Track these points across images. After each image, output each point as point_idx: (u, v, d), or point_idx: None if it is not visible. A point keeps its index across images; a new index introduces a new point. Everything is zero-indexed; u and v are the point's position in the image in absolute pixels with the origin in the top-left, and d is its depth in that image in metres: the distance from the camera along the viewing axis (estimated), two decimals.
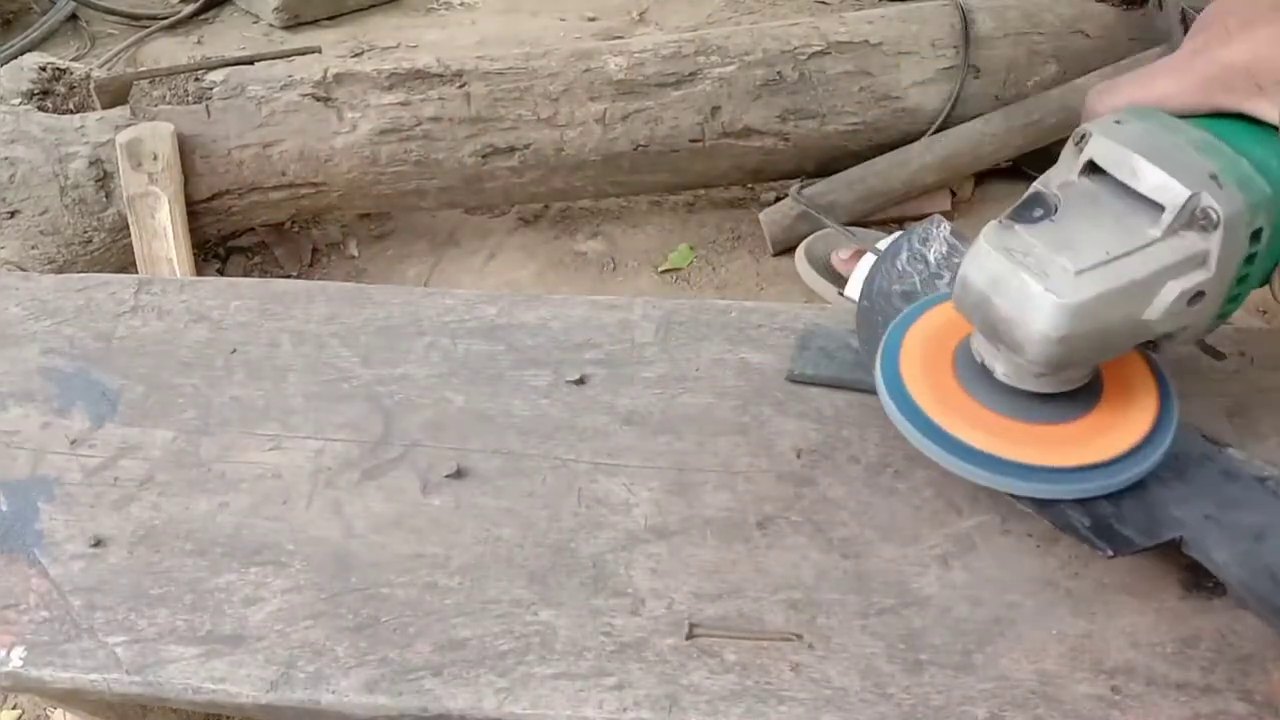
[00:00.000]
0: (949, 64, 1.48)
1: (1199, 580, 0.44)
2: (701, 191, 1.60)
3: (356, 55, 2.02)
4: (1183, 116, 0.40)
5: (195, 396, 0.54)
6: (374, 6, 2.26)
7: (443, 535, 0.47)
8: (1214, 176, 0.37)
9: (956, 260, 0.52)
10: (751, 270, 1.49)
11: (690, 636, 0.42)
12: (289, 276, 1.50)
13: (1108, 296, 0.37)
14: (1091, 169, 0.40)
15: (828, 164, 1.50)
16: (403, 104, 1.40)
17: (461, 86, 1.41)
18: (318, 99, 1.39)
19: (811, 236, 1.43)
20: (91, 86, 1.40)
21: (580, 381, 0.54)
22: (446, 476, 0.49)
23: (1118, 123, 0.40)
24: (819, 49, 1.46)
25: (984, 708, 0.40)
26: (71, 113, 1.39)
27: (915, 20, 1.50)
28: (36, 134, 1.32)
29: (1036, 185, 0.40)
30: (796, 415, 0.52)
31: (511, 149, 1.42)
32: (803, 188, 1.47)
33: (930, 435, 0.43)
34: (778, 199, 1.53)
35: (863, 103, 1.47)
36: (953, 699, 0.40)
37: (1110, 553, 0.41)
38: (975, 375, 0.44)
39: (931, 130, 1.48)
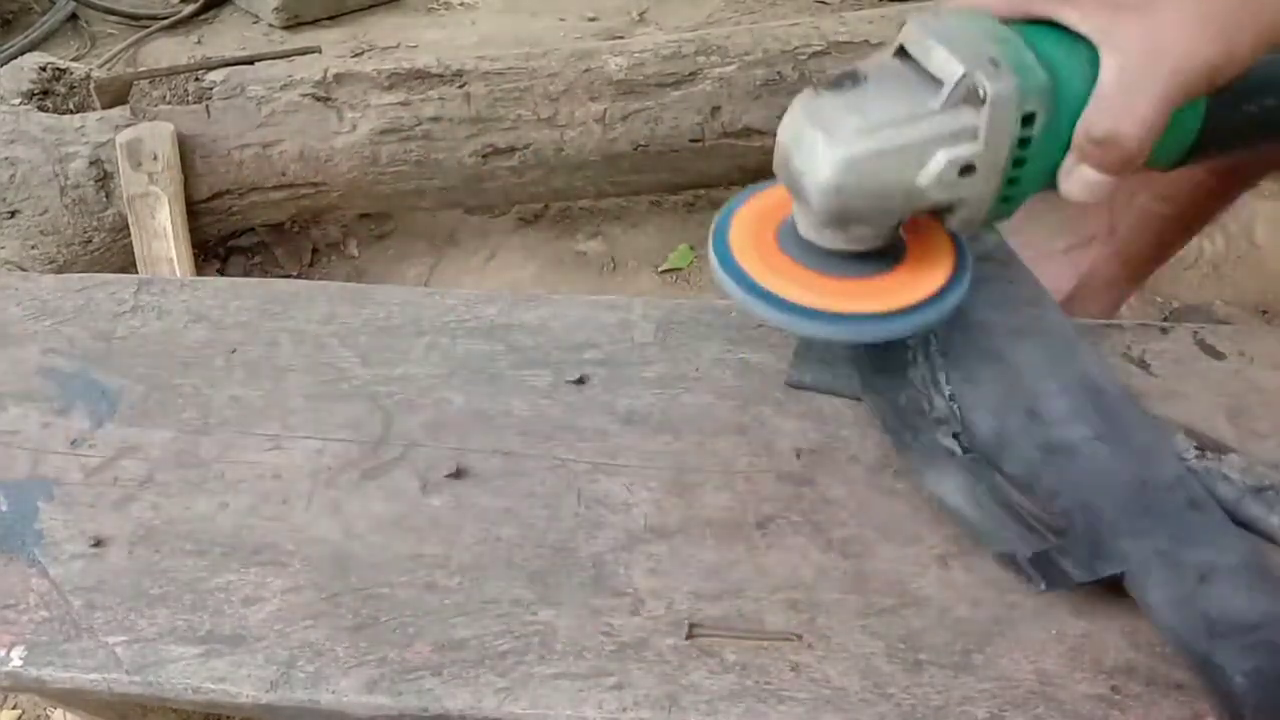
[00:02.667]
0: None
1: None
2: (701, 191, 1.60)
3: (356, 55, 2.02)
4: (1005, 22, 0.44)
5: (195, 396, 0.54)
6: (374, 6, 2.26)
7: (442, 535, 0.47)
8: (993, 60, 0.41)
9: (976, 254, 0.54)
10: None
11: (690, 636, 0.42)
12: (289, 276, 1.50)
13: (881, 152, 0.41)
14: (901, 53, 0.44)
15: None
16: (403, 104, 1.40)
17: (461, 86, 1.41)
18: (318, 99, 1.39)
19: None
20: (91, 86, 1.40)
21: (580, 381, 0.54)
22: (446, 476, 0.49)
23: (935, 16, 0.44)
24: (819, 49, 1.46)
25: (984, 708, 0.40)
26: (71, 113, 1.39)
27: None
28: (36, 134, 1.32)
29: (855, 63, 0.45)
30: (796, 415, 0.52)
31: (511, 149, 1.42)
32: None
33: (743, 287, 0.47)
34: None
35: None
36: (952, 699, 0.40)
37: (1043, 587, 0.41)
38: (791, 238, 0.48)
39: None
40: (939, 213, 0.45)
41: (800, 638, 0.42)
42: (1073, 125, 0.43)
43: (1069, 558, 0.42)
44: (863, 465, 0.49)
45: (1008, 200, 0.45)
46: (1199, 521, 0.43)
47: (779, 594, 0.44)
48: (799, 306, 0.46)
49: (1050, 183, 0.45)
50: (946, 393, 0.49)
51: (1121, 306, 0.94)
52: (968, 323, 0.51)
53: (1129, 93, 0.41)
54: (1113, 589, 0.43)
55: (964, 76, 0.41)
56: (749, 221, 0.50)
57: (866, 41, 1.49)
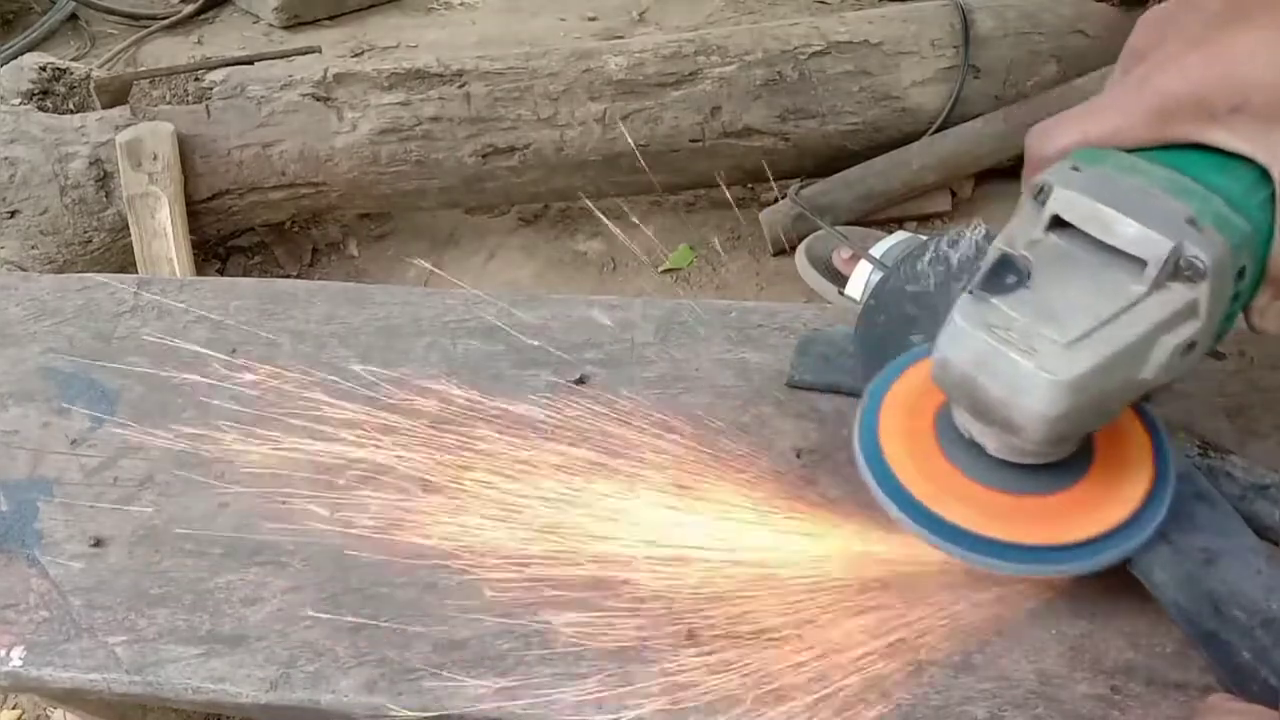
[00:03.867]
0: (949, 64, 1.48)
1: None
2: (701, 191, 1.60)
3: (356, 55, 2.02)
4: (1134, 151, 0.38)
5: (195, 396, 0.54)
6: (374, 6, 2.25)
7: (443, 535, 0.47)
8: (1191, 221, 0.35)
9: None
10: (751, 270, 1.49)
11: (690, 636, 0.42)
12: (289, 276, 1.50)
13: (1103, 365, 0.35)
14: (1057, 224, 0.37)
15: (828, 164, 1.49)
16: (403, 104, 1.40)
17: (461, 86, 1.41)
18: (318, 99, 1.39)
19: (811, 236, 1.43)
20: (91, 86, 1.40)
21: (580, 381, 0.54)
22: (447, 476, 0.49)
23: (1075, 169, 0.37)
24: (819, 49, 1.46)
25: (983, 708, 0.40)
26: (71, 113, 1.39)
27: (915, 20, 1.50)
28: (36, 134, 1.32)
29: (1000, 247, 0.37)
30: (796, 415, 0.52)
31: (512, 149, 1.42)
32: (802, 188, 1.47)
33: (919, 518, 0.40)
34: (777, 200, 1.53)
35: (863, 102, 1.47)
36: (952, 699, 0.40)
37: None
38: (959, 445, 0.41)
39: (931, 130, 1.48)
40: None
41: (800, 637, 0.42)
42: (1262, 258, 0.37)
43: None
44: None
45: (1205, 353, 0.39)
46: (1204, 511, 0.43)
47: (779, 594, 0.44)
48: (1004, 544, 0.39)
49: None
50: None
51: None
52: None
53: None
54: (1113, 589, 0.43)
55: (1173, 251, 0.34)
56: (898, 418, 0.43)
57: (866, 41, 1.49)
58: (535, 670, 0.42)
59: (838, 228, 1.40)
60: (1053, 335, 0.35)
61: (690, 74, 1.44)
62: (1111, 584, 0.44)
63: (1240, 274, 0.36)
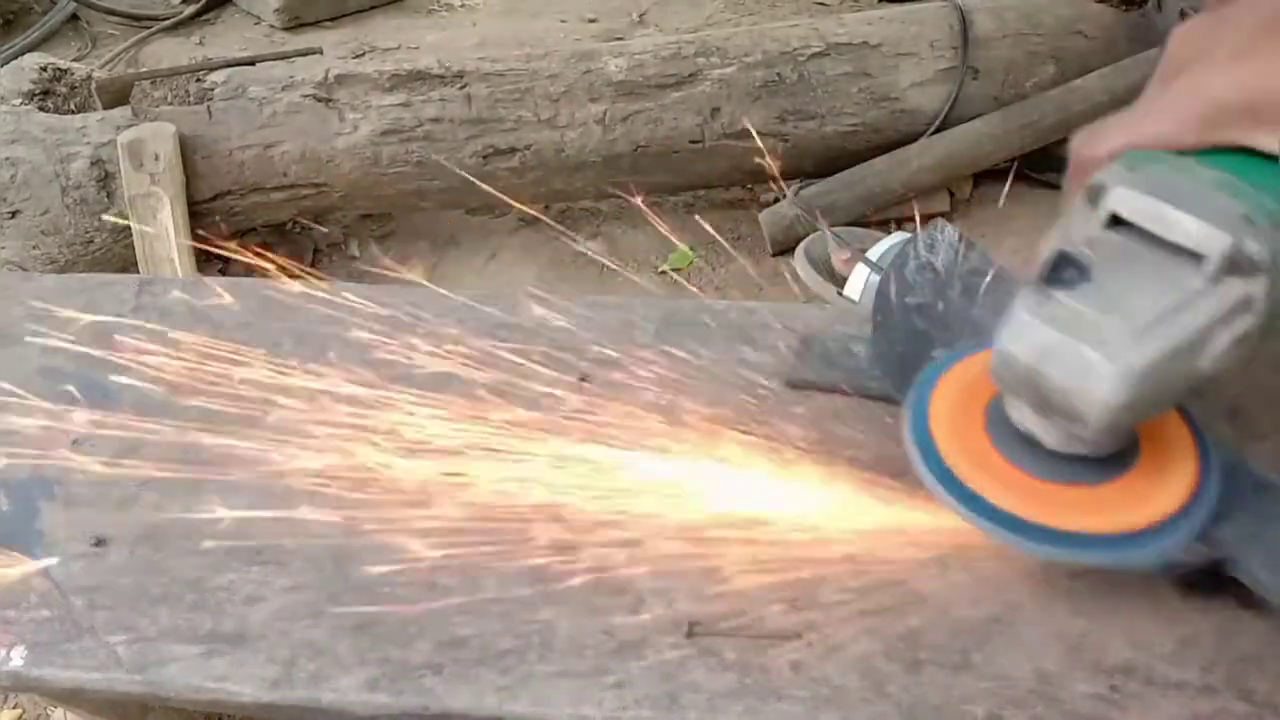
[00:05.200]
0: (948, 65, 1.49)
1: (1199, 580, 0.44)
2: (701, 192, 1.60)
3: (358, 56, 2.02)
4: (1187, 155, 0.39)
5: (196, 396, 0.54)
6: (375, 7, 2.26)
7: (443, 534, 0.47)
8: (1247, 218, 0.36)
9: (969, 268, 0.51)
10: (751, 270, 1.49)
11: (690, 635, 0.43)
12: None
13: (1167, 356, 0.36)
14: (1114, 222, 0.39)
15: (827, 164, 1.50)
16: (404, 105, 1.40)
17: (462, 88, 1.41)
18: (319, 100, 1.39)
19: (811, 237, 1.43)
20: (93, 87, 1.40)
21: (580, 381, 0.54)
22: (448, 476, 0.49)
23: (1130, 170, 0.39)
24: (818, 50, 1.46)
25: (983, 707, 0.40)
26: (73, 113, 1.39)
27: (914, 21, 1.50)
28: (38, 134, 1.32)
29: (1060, 246, 0.38)
30: (796, 415, 0.52)
31: (512, 150, 1.42)
32: (802, 188, 1.47)
33: (978, 509, 0.41)
34: (777, 200, 1.53)
35: (862, 104, 1.47)
36: (951, 698, 0.40)
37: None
38: (1010, 438, 0.42)
39: (930, 131, 1.48)
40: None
41: (799, 636, 0.42)
42: None
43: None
44: (863, 465, 0.49)
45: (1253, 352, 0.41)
46: (1270, 501, 0.42)
47: (779, 594, 0.44)
48: (1059, 533, 0.40)
49: None
50: None
51: None
52: None
53: None
54: (1113, 588, 0.43)
55: (1232, 246, 0.36)
56: (948, 412, 0.44)
57: (865, 43, 1.49)
58: (535, 670, 0.42)
59: (836, 228, 1.40)
60: (1118, 325, 0.36)
61: (690, 75, 1.45)
62: (1111, 583, 0.44)
63: None
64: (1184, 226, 0.36)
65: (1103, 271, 0.37)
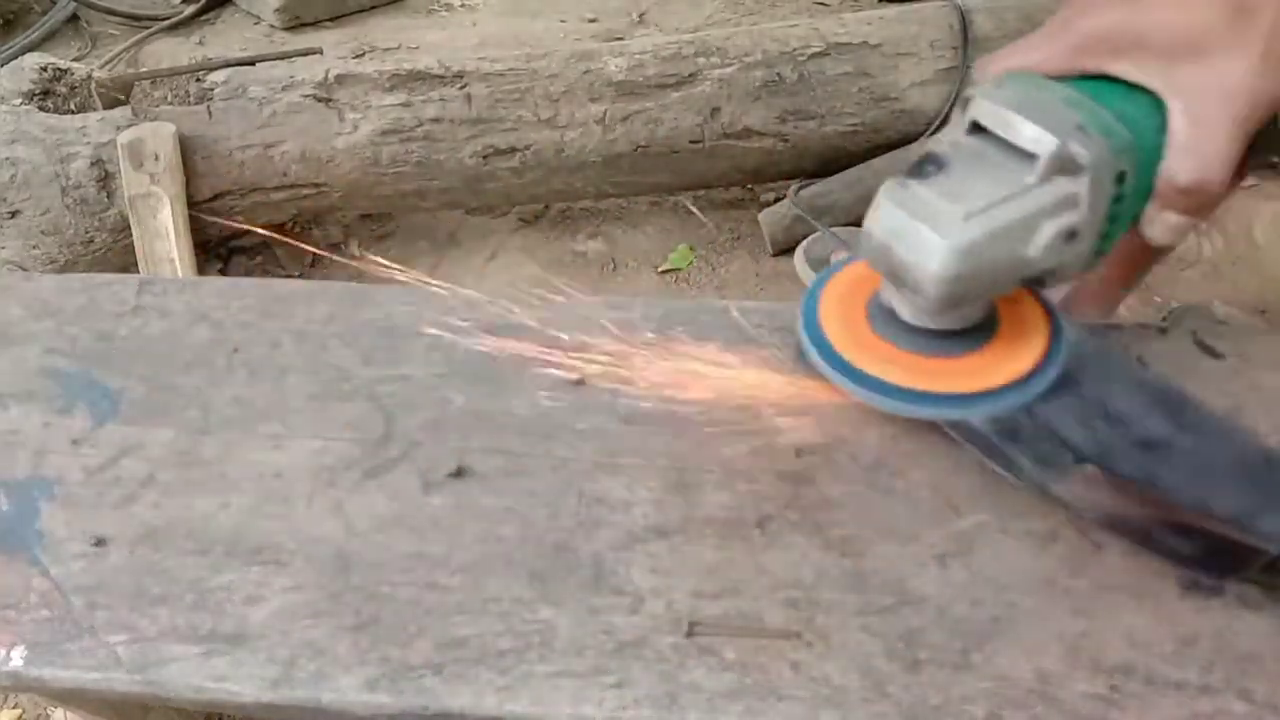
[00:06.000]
0: (948, 65, 1.49)
1: (1198, 580, 0.44)
2: (701, 192, 1.61)
3: (358, 56, 2.02)
4: (1056, 79, 0.45)
5: (196, 396, 0.54)
6: (375, 7, 2.26)
7: (443, 534, 0.47)
8: (1080, 127, 0.42)
9: None
10: (751, 270, 1.49)
11: (690, 635, 0.43)
12: (290, 276, 1.50)
13: (991, 236, 0.42)
14: (975, 128, 0.44)
15: (827, 164, 1.50)
16: (404, 105, 1.40)
17: (462, 88, 1.41)
18: (319, 100, 1.39)
19: (810, 237, 1.43)
20: (93, 87, 1.40)
21: (580, 381, 0.54)
22: (447, 476, 0.49)
23: (998, 86, 0.45)
24: (818, 50, 1.46)
25: (982, 707, 0.40)
26: (73, 113, 1.39)
27: (914, 21, 1.50)
28: (38, 134, 1.32)
29: (929, 145, 0.45)
30: (796, 415, 0.52)
31: (512, 150, 1.42)
32: (802, 189, 1.47)
33: (849, 376, 0.47)
34: (777, 200, 1.53)
35: (862, 104, 1.47)
36: (951, 698, 0.40)
37: (1218, 577, 0.43)
38: (885, 320, 0.48)
39: (930, 131, 1.48)
40: (1036, 279, 0.45)
41: (800, 636, 0.42)
42: (1150, 173, 0.44)
43: (1225, 547, 0.42)
44: (862, 465, 0.49)
45: (1098, 253, 0.46)
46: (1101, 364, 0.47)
47: (779, 593, 0.44)
48: (913, 391, 0.46)
49: (1130, 228, 0.47)
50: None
51: (1120, 307, 0.94)
52: None
53: (1205, 138, 0.43)
54: (1113, 588, 0.43)
55: (1059, 147, 0.41)
56: (835, 303, 0.51)
57: (865, 42, 1.49)
58: (535, 669, 0.42)
59: (836, 229, 1.40)
60: (953, 209, 0.42)
61: (690, 75, 1.45)
62: (1110, 583, 0.44)
63: (1120, 178, 0.43)
64: (1023, 131, 0.42)
65: (956, 168, 0.43)
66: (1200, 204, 0.45)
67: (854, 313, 0.50)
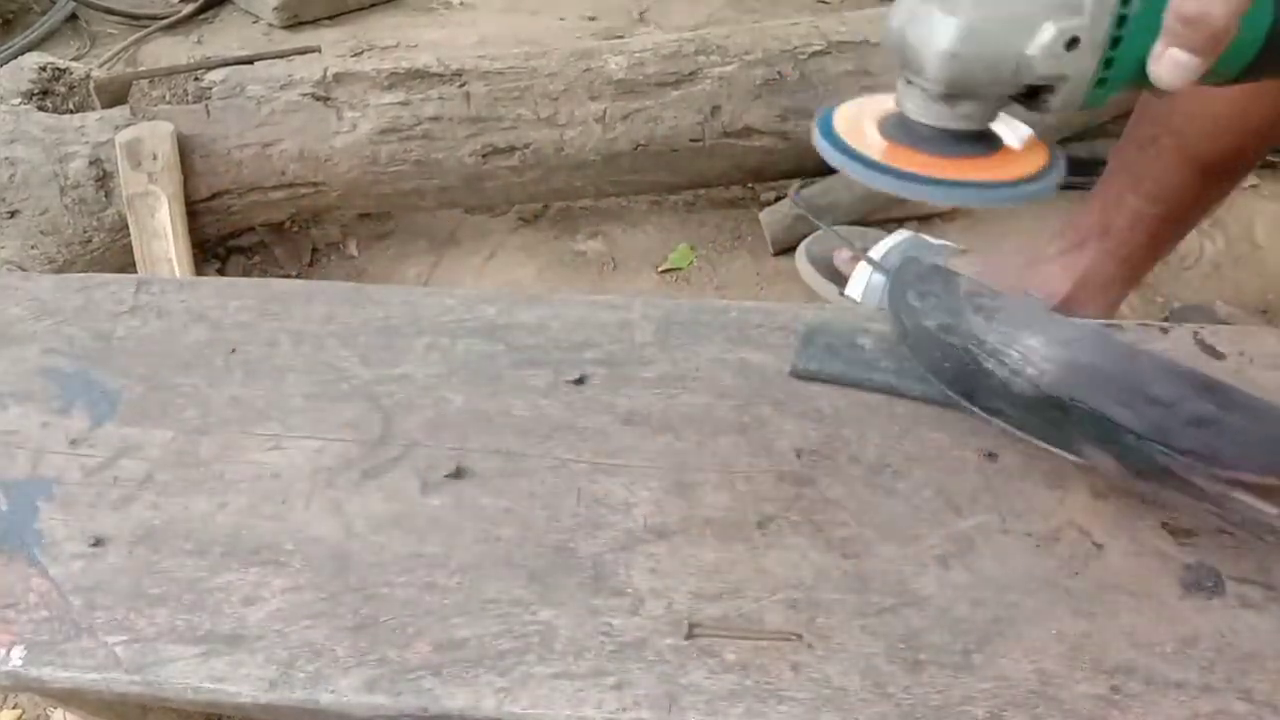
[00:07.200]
0: None
1: (1199, 580, 0.44)
2: (701, 191, 1.60)
3: (356, 55, 2.02)
4: None
5: (195, 396, 0.54)
6: (374, 6, 2.25)
7: (442, 535, 0.47)
8: None
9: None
10: (751, 270, 1.49)
11: (690, 636, 0.42)
12: (288, 276, 1.50)
13: (994, 20, 0.44)
14: None
15: (827, 164, 1.49)
16: (402, 104, 1.40)
17: (461, 86, 1.41)
18: (317, 99, 1.39)
19: (811, 237, 1.43)
20: (91, 86, 1.40)
21: (580, 381, 0.54)
22: (446, 476, 0.49)
23: None
24: (820, 48, 1.46)
25: (983, 707, 0.40)
26: (71, 112, 1.39)
27: None
28: (36, 134, 1.32)
29: None
30: (796, 415, 0.52)
31: (511, 148, 1.42)
32: (803, 188, 1.47)
33: (880, 170, 0.49)
34: (778, 199, 1.53)
35: None
36: (952, 698, 0.40)
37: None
38: (898, 130, 0.50)
39: None
40: (1039, 96, 0.47)
41: (800, 637, 0.42)
42: (1159, 10, 0.45)
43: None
44: (863, 465, 0.49)
45: (1102, 83, 0.47)
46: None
47: (779, 594, 0.44)
48: (932, 178, 0.48)
49: (1139, 75, 0.48)
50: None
51: (1120, 306, 0.94)
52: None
53: None
54: (1113, 588, 0.43)
55: None
56: (848, 120, 0.52)
57: (866, 41, 1.49)
58: (535, 670, 0.42)
59: (838, 228, 1.40)
60: None
61: (690, 73, 1.44)
62: (1111, 584, 0.44)
63: None
64: None
65: None
66: (1204, 39, 0.45)
67: (867, 127, 0.51)
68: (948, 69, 0.45)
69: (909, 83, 0.49)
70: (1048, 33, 0.44)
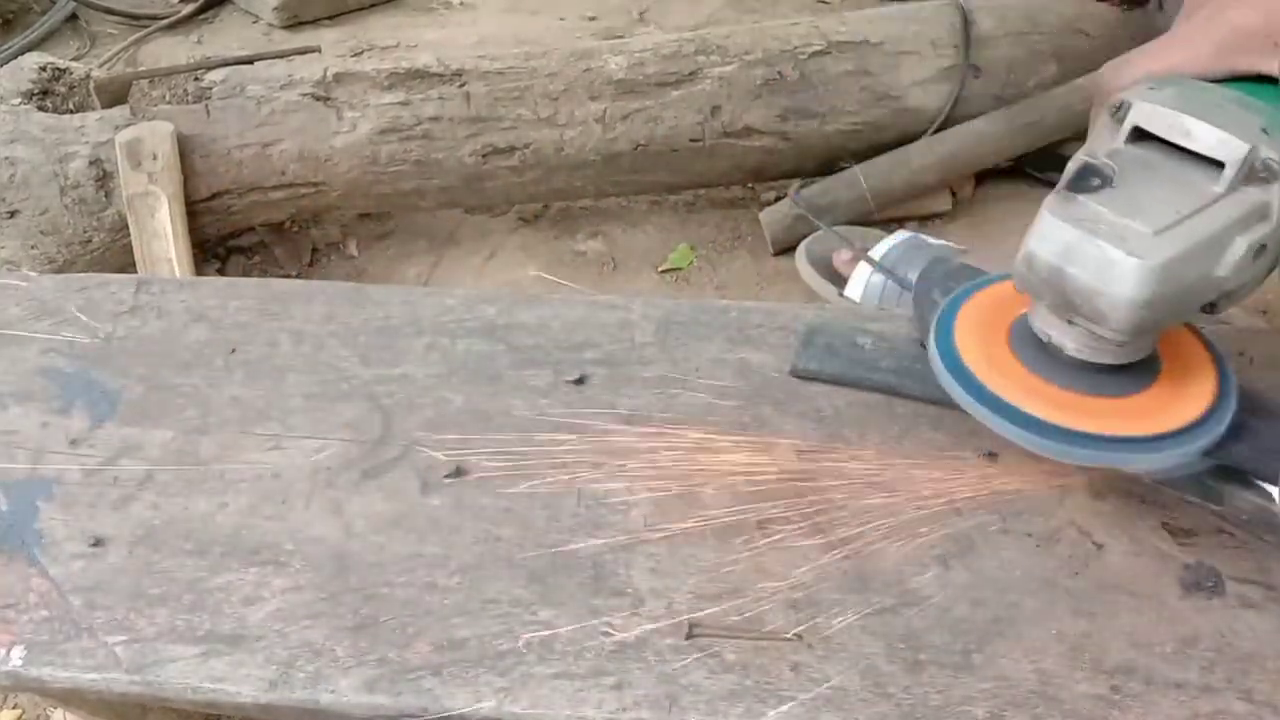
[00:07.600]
0: (949, 63, 1.48)
1: (1199, 580, 0.44)
2: (701, 191, 1.60)
3: (356, 55, 2.02)
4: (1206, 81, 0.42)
5: (194, 396, 0.54)
6: (374, 6, 2.25)
7: (442, 535, 0.47)
8: (1264, 130, 0.38)
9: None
10: (751, 270, 1.49)
11: (690, 636, 0.42)
12: (288, 276, 1.49)
13: (1186, 255, 0.37)
14: (1138, 135, 0.40)
15: (828, 163, 1.49)
16: (402, 104, 1.40)
17: (461, 86, 1.41)
18: (317, 98, 1.39)
19: (811, 237, 1.43)
20: (91, 86, 1.40)
21: (580, 381, 0.54)
22: (446, 476, 0.49)
23: (1152, 89, 0.40)
24: (819, 48, 1.46)
25: (983, 707, 0.40)
26: (71, 112, 1.39)
27: (916, 20, 1.50)
28: (36, 134, 1.32)
29: (1083, 157, 0.40)
30: (796, 415, 0.52)
31: (511, 148, 1.42)
32: (803, 187, 1.47)
33: (1020, 422, 0.42)
34: (778, 199, 1.53)
35: (863, 102, 1.47)
36: (952, 699, 0.40)
37: None
38: (1035, 354, 0.43)
39: (932, 130, 1.48)
40: (1215, 305, 0.41)
41: (800, 637, 0.42)
42: None
43: None
44: (863, 465, 0.49)
45: (1270, 269, 0.42)
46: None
47: (779, 594, 0.44)
48: (1098, 436, 0.41)
49: None
50: None
51: None
52: None
53: None
54: (1113, 588, 0.43)
55: (1250, 152, 0.38)
56: (973, 330, 0.45)
57: (866, 41, 1.49)
58: (535, 670, 0.42)
59: (837, 228, 1.40)
60: (1140, 226, 0.37)
61: (690, 73, 1.44)
62: (1111, 584, 0.44)
63: None
64: (1204, 135, 0.38)
65: (1124, 180, 0.39)
66: None
67: (997, 344, 0.44)
68: (1138, 317, 0.38)
69: (1070, 323, 0.41)
70: (1238, 249, 0.38)
